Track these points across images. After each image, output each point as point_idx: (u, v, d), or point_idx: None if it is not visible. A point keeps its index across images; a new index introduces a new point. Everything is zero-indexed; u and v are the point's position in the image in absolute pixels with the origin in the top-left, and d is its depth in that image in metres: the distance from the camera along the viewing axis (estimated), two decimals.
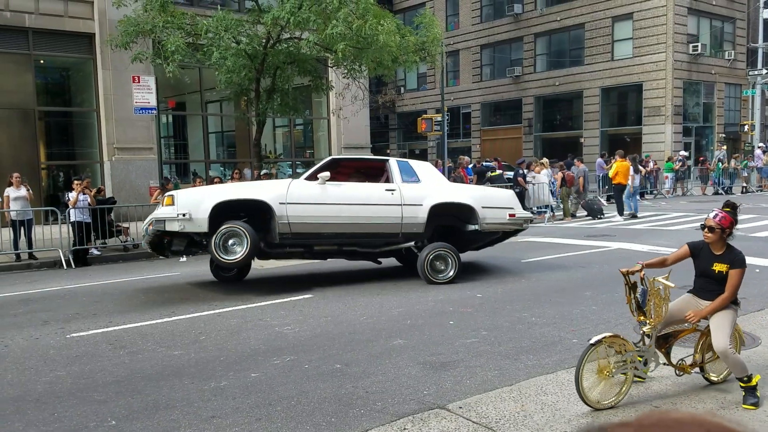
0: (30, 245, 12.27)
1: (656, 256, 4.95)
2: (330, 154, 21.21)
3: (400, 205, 9.07)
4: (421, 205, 9.14)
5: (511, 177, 18.91)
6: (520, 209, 10.15)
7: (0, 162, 16.15)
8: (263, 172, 15.85)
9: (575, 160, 20.19)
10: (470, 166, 21.13)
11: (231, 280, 9.78)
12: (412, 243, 9.37)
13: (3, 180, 13.16)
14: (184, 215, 8.31)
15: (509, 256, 11.36)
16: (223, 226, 8.29)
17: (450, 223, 9.73)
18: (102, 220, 12.75)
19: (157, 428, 4.23)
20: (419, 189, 9.29)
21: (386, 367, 5.40)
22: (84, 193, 12.57)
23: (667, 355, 4.62)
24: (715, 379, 4.78)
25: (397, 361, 5.53)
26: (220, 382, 5.14)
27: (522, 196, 17.27)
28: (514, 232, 10.26)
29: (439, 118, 22.59)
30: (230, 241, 8.31)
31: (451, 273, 9.11)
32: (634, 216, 17.10)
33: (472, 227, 9.49)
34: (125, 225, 13.74)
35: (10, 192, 12.25)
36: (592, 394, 4.31)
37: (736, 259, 4.43)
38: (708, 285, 4.54)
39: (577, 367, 4.25)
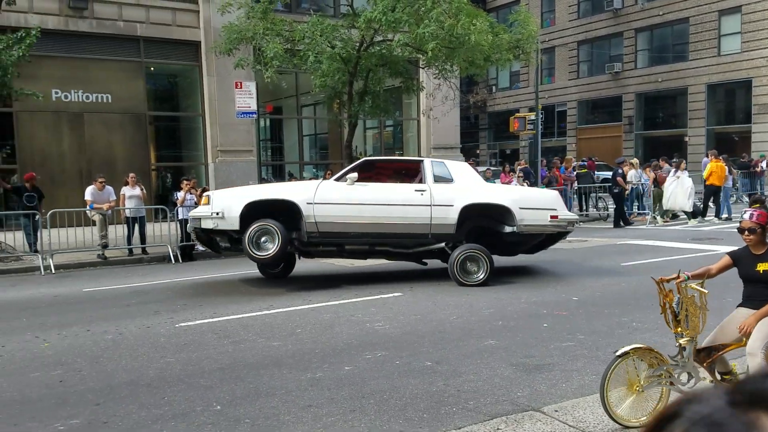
0: (143, 241, 13.14)
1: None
2: (419, 155, 21.30)
3: (429, 205, 9.07)
4: (452, 205, 9.12)
5: (608, 177, 18.24)
6: (564, 210, 9.88)
7: (115, 163, 17.37)
8: None
9: (672, 161, 19.19)
10: (564, 165, 20.53)
11: (277, 277, 10.16)
12: (443, 244, 9.30)
13: (118, 180, 14.15)
14: (217, 214, 8.81)
15: (608, 259, 10.99)
16: (255, 224, 8.66)
17: (487, 225, 9.59)
18: None
19: (259, 414, 4.45)
20: (451, 189, 9.26)
21: (478, 366, 5.39)
22: (191, 193, 13.32)
23: (712, 371, 4.17)
24: None
25: (489, 362, 5.51)
26: (315, 374, 5.32)
27: (620, 196, 16.66)
28: (560, 235, 9.94)
29: (533, 117, 22.13)
30: (263, 239, 8.68)
31: (482, 275, 9.00)
32: (727, 219, 16.16)
33: (509, 229, 9.28)
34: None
35: (126, 191, 13.16)
36: (621, 410, 3.99)
37: None
38: (756, 291, 4.17)
39: (602, 380, 3.94)
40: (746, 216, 4.14)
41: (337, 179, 9.23)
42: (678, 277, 4.11)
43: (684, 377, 4.08)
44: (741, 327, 4.03)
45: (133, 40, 17.76)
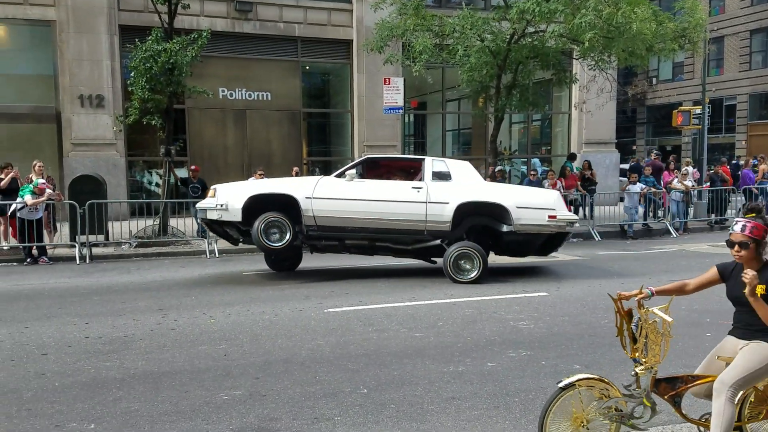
0: None
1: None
2: (569, 150, 20.50)
3: (425, 202, 9.27)
4: (448, 203, 9.29)
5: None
6: (564, 210, 9.82)
7: (272, 157, 18.54)
8: (497, 168, 15.90)
9: None
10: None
11: (284, 270, 10.39)
12: (439, 241, 9.42)
13: (275, 173, 15.08)
14: (222, 206, 9.19)
15: None
16: (263, 216, 8.96)
17: (486, 224, 9.63)
18: None
19: (403, 401, 4.54)
20: (448, 187, 9.42)
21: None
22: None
23: (677, 405, 3.54)
24: None
25: None
26: (458, 367, 5.32)
27: None
28: (560, 235, 9.89)
29: (698, 111, 20.44)
30: (271, 230, 9.01)
31: (475, 273, 9.16)
32: None
33: (507, 228, 9.35)
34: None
35: None
36: None
37: None
38: (746, 318, 3.47)
39: (542, 414, 3.43)
40: (737, 228, 3.42)
41: (338, 176, 9.48)
42: (640, 293, 3.51)
43: (639, 411, 3.50)
44: (747, 278, 3.30)
45: (291, 41, 18.80)
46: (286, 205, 9.19)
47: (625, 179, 17.71)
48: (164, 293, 8.61)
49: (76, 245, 11.97)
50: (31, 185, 11.80)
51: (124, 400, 4.58)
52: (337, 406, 4.44)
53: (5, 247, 12.18)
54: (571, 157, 18.34)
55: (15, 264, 11.54)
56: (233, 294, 8.52)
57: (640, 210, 16.15)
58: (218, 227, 9.90)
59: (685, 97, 33.37)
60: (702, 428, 3.61)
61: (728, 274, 3.56)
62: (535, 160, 22.21)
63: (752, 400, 3.56)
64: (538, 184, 15.45)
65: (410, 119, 22.76)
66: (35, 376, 5.11)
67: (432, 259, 10.10)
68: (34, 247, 11.75)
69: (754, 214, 3.42)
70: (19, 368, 5.31)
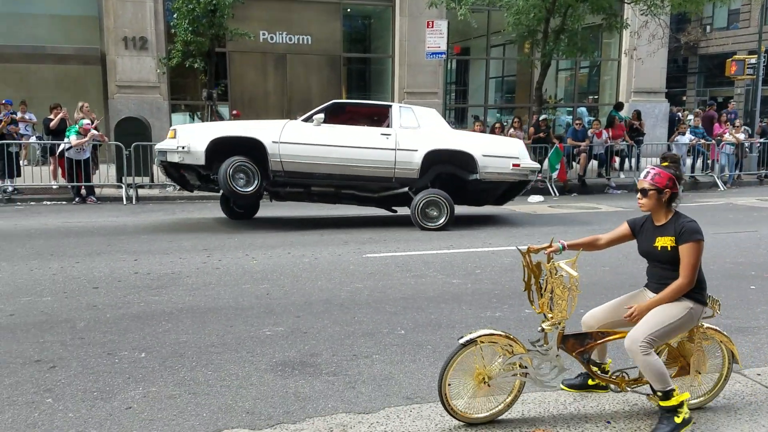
0: None
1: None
2: (617, 99, 19.91)
3: (394, 149, 9.16)
4: (416, 150, 9.22)
5: None
6: (527, 159, 9.82)
7: (311, 103, 18.47)
8: (542, 117, 15.59)
9: None
10: None
11: (241, 218, 10.13)
12: (407, 189, 9.33)
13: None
14: (183, 148, 8.81)
15: None
16: (233, 159, 8.64)
17: (451, 172, 9.54)
18: None
19: (440, 342, 4.63)
20: (416, 135, 9.32)
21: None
22: None
23: (585, 361, 3.44)
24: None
25: None
26: (495, 313, 5.37)
27: None
28: (521, 184, 10.03)
29: (753, 60, 19.52)
30: (238, 175, 8.69)
31: (443, 220, 9.21)
32: None
33: (472, 176, 9.34)
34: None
35: None
36: (462, 404, 3.35)
37: (684, 230, 3.21)
38: (657, 271, 3.38)
39: (441, 370, 3.29)
40: (642, 174, 3.35)
41: (305, 120, 9.25)
42: (550, 246, 3.41)
43: (546, 368, 3.37)
44: (627, 313, 3.28)
45: None
46: (251, 149, 8.83)
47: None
48: (208, 234, 8.83)
49: (123, 186, 12.30)
50: (77, 126, 12.08)
51: (172, 332, 4.78)
52: (375, 345, 4.55)
53: (54, 186, 12.60)
54: (618, 106, 17.83)
55: (64, 203, 11.95)
56: (274, 238, 8.68)
57: (688, 162, 15.71)
58: (174, 171, 9.52)
59: (740, 46, 31.76)
60: (613, 386, 3.49)
61: (638, 229, 3.46)
62: (582, 109, 21.67)
63: (665, 359, 3.44)
64: (584, 133, 15.13)
65: (452, 65, 22.34)
66: (87, 307, 5.35)
67: (393, 208, 10.10)
68: (83, 187, 12.11)
69: (667, 163, 3.32)
70: (72, 300, 5.56)
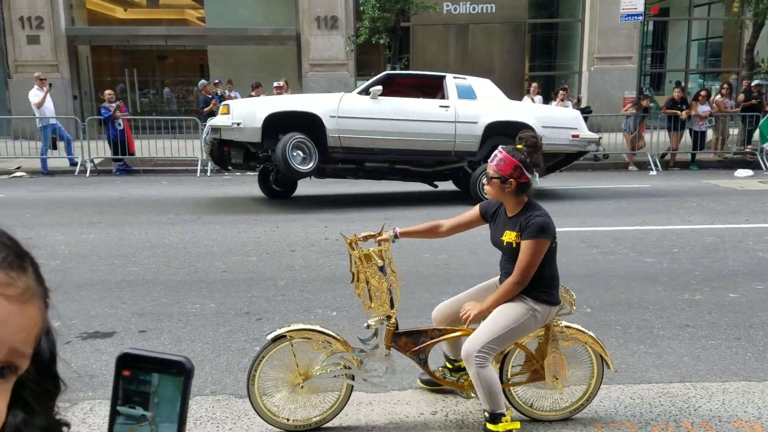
0: None
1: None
2: None
3: (454, 122, 8.82)
4: (476, 122, 8.90)
5: None
6: (585, 130, 9.59)
7: (492, 73, 18.18)
8: (753, 82, 13.83)
9: None
10: None
11: (279, 196, 9.65)
12: (465, 163, 9.02)
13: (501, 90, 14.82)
14: (238, 124, 8.27)
15: None
16: (291, 135, 8.14)
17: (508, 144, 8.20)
18: None
19: (630, 323, 4.38)
20: (475, 106, 8.99)
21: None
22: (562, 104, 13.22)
23: (422, 362, 3.04)
24: (534, 412, 3.09)
25: None
26: (694, 296, 4.95)
27: None
28: (578, 155, 9.88)
29: None
30: (295, 152, 8.17)
31: None
32: None
33: None
34: (598, 135, 14.00)
35: None
36: (273, 407, 2.95)
37: (528, 225, 2.80)
38: (506, 264, 2.97)
39: (249, 370, 2.89)
40: (490, 159, 2.90)
41: (360, 92, 8.77)
42: (380, 234, 3.01)
43: (380, 368, 2.99)
44: (463, 313, 2.92)
45: None
46: (308, 124, 8.42)
47: None
48: (389, 205, 9.15)
49: None
50: None
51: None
52: None
53: None
54: None
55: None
56: (452, 211, 8.75)
57: None
58: (217, 148, 9.00)
59: None
60: (459, 390, 3.14)
61: (490, 215, 3.06)
62: None
63: (522, 363, 3.07)
64: None
65: (649, 27, 20.61)
66: (286, 268, 5.84)
67: (435, 183, 9.68)
68: None
69: (521, 146, 2.88)
70: (274, 260, 6.10)
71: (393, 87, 9.28)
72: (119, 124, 12.23)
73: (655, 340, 4.10)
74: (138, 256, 6.14)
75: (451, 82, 9.22)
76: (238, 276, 5.57)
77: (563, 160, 9.93)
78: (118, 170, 12.44)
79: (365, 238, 3.05)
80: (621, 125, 13.73)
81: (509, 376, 3.05)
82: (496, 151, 2.93)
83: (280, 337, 2.89)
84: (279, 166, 8.26)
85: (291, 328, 2.93)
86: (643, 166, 12.99)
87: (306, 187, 10.20)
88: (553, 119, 9.43)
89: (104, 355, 3.88)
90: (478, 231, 7.28)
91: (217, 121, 8.55)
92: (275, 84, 13.22)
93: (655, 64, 21.34)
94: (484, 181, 2.96)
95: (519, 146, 2.89)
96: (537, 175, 2.92)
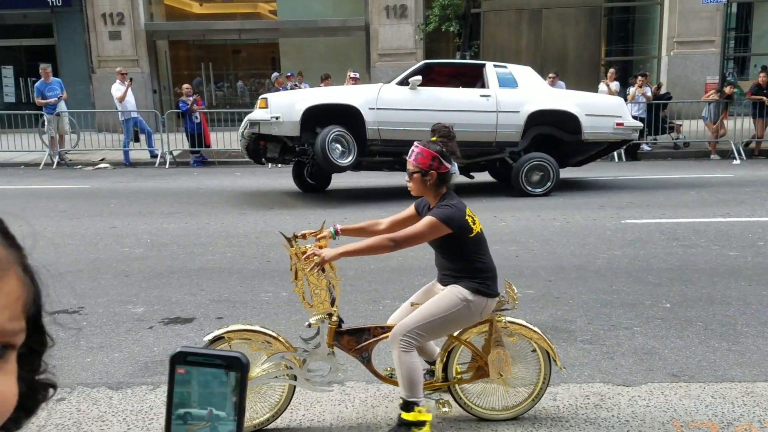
0: None
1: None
2: None
3: (495, 111, 8.59)
4: (518, 112, 8.68)
5: None
6: (629, 118, 9.40)
7: (566, 58, 17.71)
8: None
9: None
10: None
11: (313, 190, 9.45)
12: (506, 153, 8.84)
13: (566, 76, 14.44)
14: (277, 118, 8.03)
15: None
16: (330, 128, 7.94)
17: (549, 133, 8.94)
18: (656, 116, 12.74)
19: (712, 320, 4.19)
20: (517, 95, 8.76)
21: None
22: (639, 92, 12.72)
23: (366, 361, 2.99)
24: (480, 411, 3.02)
25: None
26: None
27: None
28: (621, 143, 9.74)
29: None
30: (333, 146, 7.94)
31: (549, 185, 8.74)
32: None
33: (574, 137, 8.83)
34: (678, 122, 13.43)
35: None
36: None
37: (434, 208, 2.82)
38: (438, 259, 2.99)
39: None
40: (408, 155, 2.91)
41: (399, 83, 8.53)
42: (320, 231, 2.97)
43: (316, 367, 2.95)
44: (311, 252, 2.84)
45: None
46: (345, 116, 8.20)
47: None
48: (497, 195, 9.01)
49: None
50: None
51: None
52: (636, 317, 4.28)
53: None
54: None
55: None
56: (522, 200, 8.60)
57: None
58: (252, 143, 8.81)
59: None
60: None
61: (422, 212, 2.98)
62: None
63: (467, 360, 3.00)
64: None
65: (732, 10, 19.50)
66: (355, 258, 5.89)
67: (471, 174, 9.51)
68: None
69: (435, 137, 2.87)
70: None
71: (430, 76, 9.06)
72: (196, 117, 12.66)
73: (738, 337, 3.92)
74: (214, 245, 6.36)
75: (491, 70, 9.00)
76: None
77: (606, 148, 9.68)
78: (195, 162, 12.89)
79: (305, 236, 3.02)
80: (702, 113, 13.09)
81: (455, 374, 3.00)
82: (412, 147, 2.92)
83: (218, 339, 2.86)
84: (318, 160, 8.07)
85: (229, 328, 2.90)
86: (725, 155, 12.36)
87: (345, 179, 10.17)
88: (596, 107, 9.17)
89: (185, 340, 4.06)
90: (551, 221, 7.18)
91: (256, 115, 8.33)
92: (351, 75, 13.27)
93: (739, 48, 20.15)
94: (406, 178, 2.92)
95: (433, 138, 2.91)
96: (455, 164, 2.87)
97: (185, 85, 13.13)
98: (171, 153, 12.92)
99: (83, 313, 4.50)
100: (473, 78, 9.23)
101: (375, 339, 2.98)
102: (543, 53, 17.91)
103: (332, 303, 2.90)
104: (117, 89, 13.00)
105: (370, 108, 8.25)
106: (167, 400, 0.66)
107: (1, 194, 9.62)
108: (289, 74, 14.78)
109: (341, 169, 8.25)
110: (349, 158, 8.11)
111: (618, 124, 9.03)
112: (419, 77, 8.42)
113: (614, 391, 3.27)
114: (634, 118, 12.48)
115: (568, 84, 13.55)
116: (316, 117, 8.16)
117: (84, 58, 17.83)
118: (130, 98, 13.14)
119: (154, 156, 13.03)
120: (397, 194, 9.33)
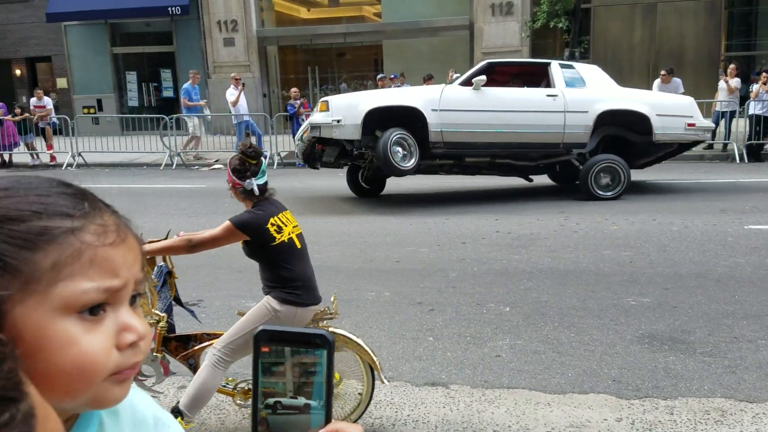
0: (728, 137, 12.27)
1: None
2: None
3: (563, 112, 8.26)
4: (587, 112, 8.32)
5: None
6: (701, 118, 8.91)
7: (683, 55, 16.72)
8: None
9: None
10: None
11: (369, 195, 9.24)
12: (574, 155, 8.48)
13: (684, 72, 13.62)
14: (338, 122, 7.82)
15: None
16: (392, 131, 7.71)
17: (618, 134, 8.58)
18: None
19: None
20: (585, 94, 8.43)
21: None
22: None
23: (192, 367, 2.90)
24: None
25: None
26: None
27: None
28: (691, 144, 9.38)
29: None
30: (396, 149, 7.70)
31: (619, 188, 8.37)
32: None
33: (644, 138, 8.47)
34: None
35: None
36: None
37: (236, 215, 2.80)
38: (262, 272, 2.91)
39: None
40: None
41: (462, 83, 8.24)
42: (165, 239, 2.96)
43: (148, 371, 2.94)
44: None
45: None
46: (406, 118, 7.95)
47: None
48: (564, 197, 8.79)
49: None
50: None
51: (533, 290, 4.94)
52: (761, 329, 3.99)
53: None
54: None
55: None
56: (637, 203, 8.22)
57: None
58: (309, 147, 8.57)
59: None
60: (239, 399, 2.98)
61: None
62: None
63: None
64: None
65: None
66: (457, 260, 5.88)
67: (530, 177, 9.27)
68: None
69: (241, 154, 2.88)
70: (444, 252, 6.17)
71: (492, 76, 8.63)
72: (303, 120, 13.07)
73: None
74: (321, 244, 6.54)
75: (557, 69, 8.68)
76: (410, 266, 5.72)
77: (676, 149, 9.31)
78: (300, 163, 13.31)
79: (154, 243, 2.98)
80: None
81: None
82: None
83: None
84: (380, 163, 7.91)
85: None
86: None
87: (400, 183, 10.07)
88: (667, 107, 8.77)
89: None
90: (668, 225, 6.81)
91: (317, 118, 8.10)
92: (454, 75, 13.17)
93: None
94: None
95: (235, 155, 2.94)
96: (252, 180, 2.83)
97: (293, 89, 13.60)
98: (279, 154, 13.42)
99: (201, 306, 4.77)
100: (537, 77, 9.01)
101: (201, 346, 2.97)
102: (657, 49, 17.01)
103: (167, 309, 2.92)
104: (231, 94, 13.67)
105: (432, 109, 8.03)
106: (253, 379, 0.66)
107: (128, 192, 10.39)
108: (393, 76, 14.93)
109: (403, 173, 8.04)
110: (412, 161, 7.90)
111: (689, 125, 8.65)
112: (483, 77, 8.18)
113: (737, 407, 3.06)
114: (758, 116, 11.65)
115: (684, 82, 12.79)
116: (377, 119, 7.99)
117: (201, 63, 18.89)
118: (243, 102, 13.78)
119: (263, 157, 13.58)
120: (458, 198, 9.22)
